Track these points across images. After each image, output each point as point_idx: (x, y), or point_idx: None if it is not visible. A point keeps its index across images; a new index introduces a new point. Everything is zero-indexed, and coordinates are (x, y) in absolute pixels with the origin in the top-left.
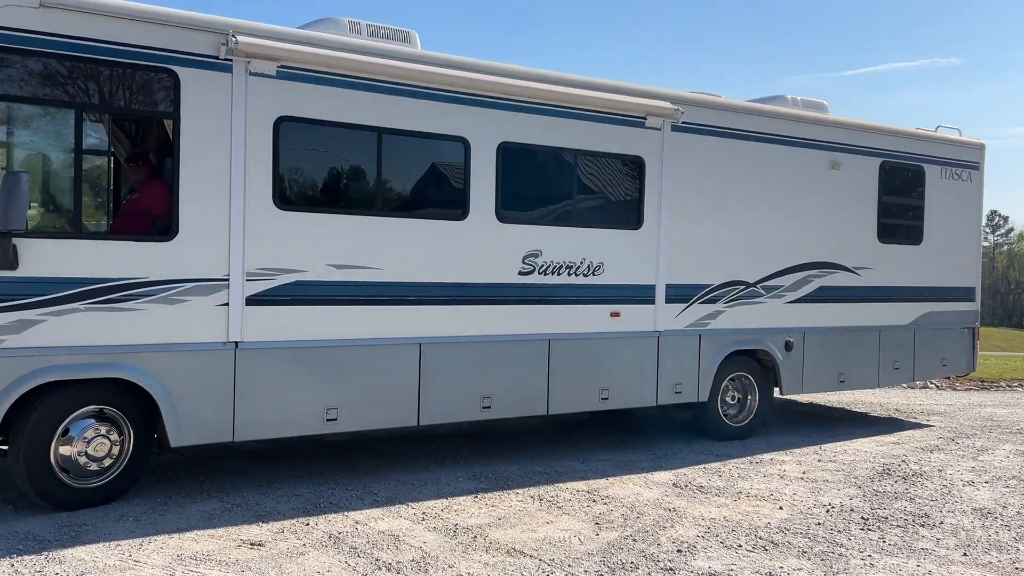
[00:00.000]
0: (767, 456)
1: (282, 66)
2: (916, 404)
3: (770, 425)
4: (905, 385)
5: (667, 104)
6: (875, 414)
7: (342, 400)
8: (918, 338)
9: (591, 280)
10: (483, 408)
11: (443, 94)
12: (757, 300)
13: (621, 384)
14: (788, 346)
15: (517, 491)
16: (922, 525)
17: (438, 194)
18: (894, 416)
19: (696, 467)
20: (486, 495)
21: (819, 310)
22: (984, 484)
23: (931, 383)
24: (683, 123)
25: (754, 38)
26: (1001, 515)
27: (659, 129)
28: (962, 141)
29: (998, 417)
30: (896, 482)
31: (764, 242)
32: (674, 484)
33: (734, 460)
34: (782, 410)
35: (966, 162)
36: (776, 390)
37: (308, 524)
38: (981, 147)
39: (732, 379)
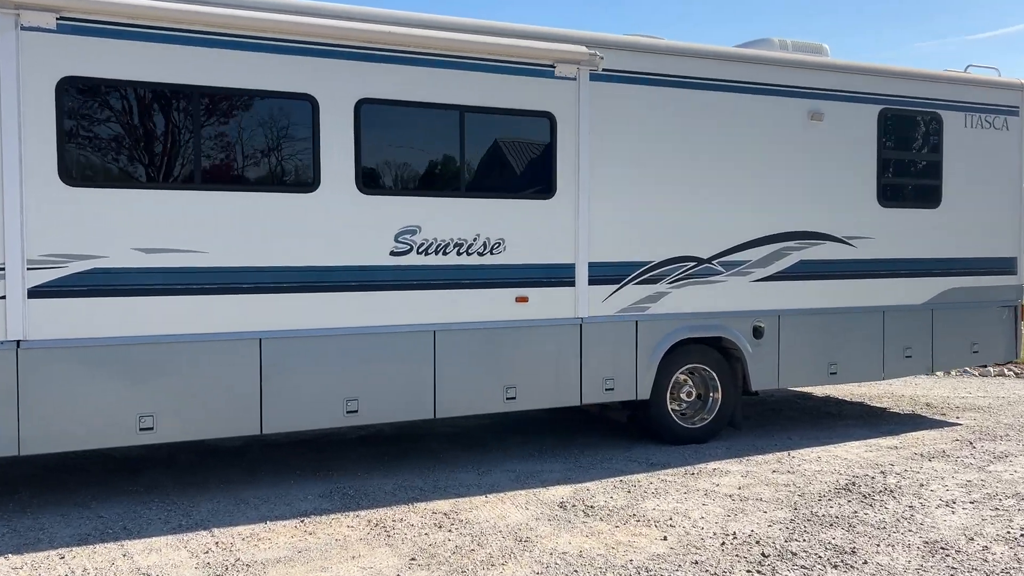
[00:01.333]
0: (711, 465)
1: (63, 18)
2: (959, 397)
3: (740, 425)
4: (966, 371)
5: (580, 48)
6: (896, 410)
7: (159, 407)
8: (937, 320)
9: (488, 260)
10: (348, 413)
11: (278, 44)
12: (714, 279)
13: (532, 381)
14: (757, 332)
15: (360, 513)
16: (835, 566)
17: (279, 163)
18: (919, 412)
19: (611, 480)
20: (319, 518)
21: (799, 289)
22: (967, 505)
23: (995, 369)
24: (606, 71)
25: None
26: (958, 552)
27: (573, 79)
28: (994, 81)
29: None
30: (849, 502)
31: (723, 210)
32: (561, 504)
33: (666, 471)
34: (782, 405)
35: (1001, 107)
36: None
37: (64, 558)
38: (1020, 88)
39: (687, 372)
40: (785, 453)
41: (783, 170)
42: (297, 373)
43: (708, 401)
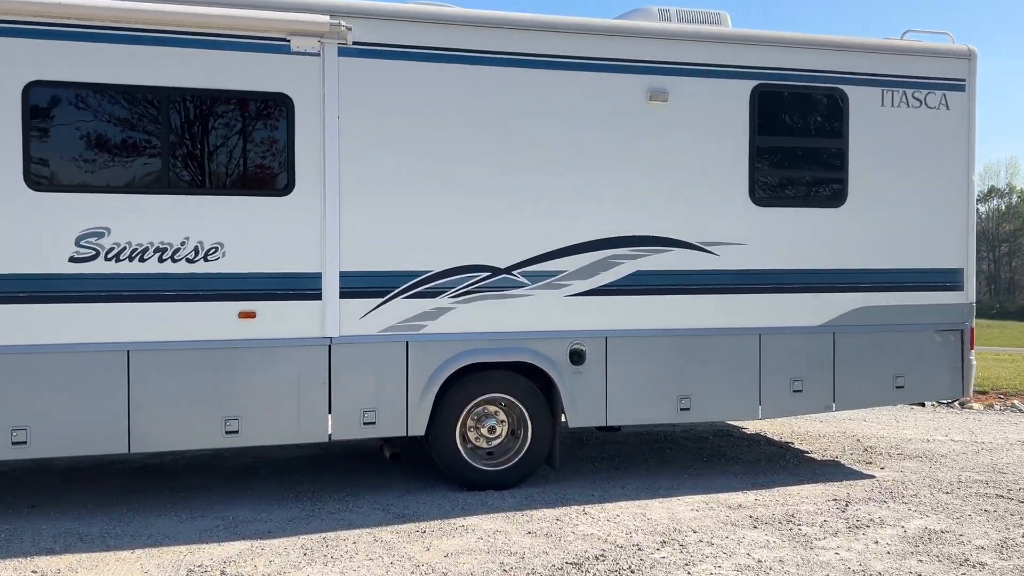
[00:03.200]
0: (462, 521)
1: None
2: (922, 439)
3: (557, 465)
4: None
5: (321, 18)
6: (816, 454)
7: None
8: (842, 346)
9: (201, 268)
10: (14, 444)
11: None
12: (514, 292)
13: (261, 412)
14: (576, 357)
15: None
16: None
17: None
18: (841, 459)
19: (305, 537)
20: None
21: (635, 306)
22: None
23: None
24: (358, 44)
25: None
26: None
27: (316, 55)
28: (927, 49)
29: (1001, 467)
30: None
31: (526, 211)
32: (197, 567)
33: (395, 526)
34: (672, 441)
35: (938, 80)
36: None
37: None
38: (967, 56)
39: (497, 404)
40: (581, 508)
41: (612, 162)
42: None
43: (520, 438)
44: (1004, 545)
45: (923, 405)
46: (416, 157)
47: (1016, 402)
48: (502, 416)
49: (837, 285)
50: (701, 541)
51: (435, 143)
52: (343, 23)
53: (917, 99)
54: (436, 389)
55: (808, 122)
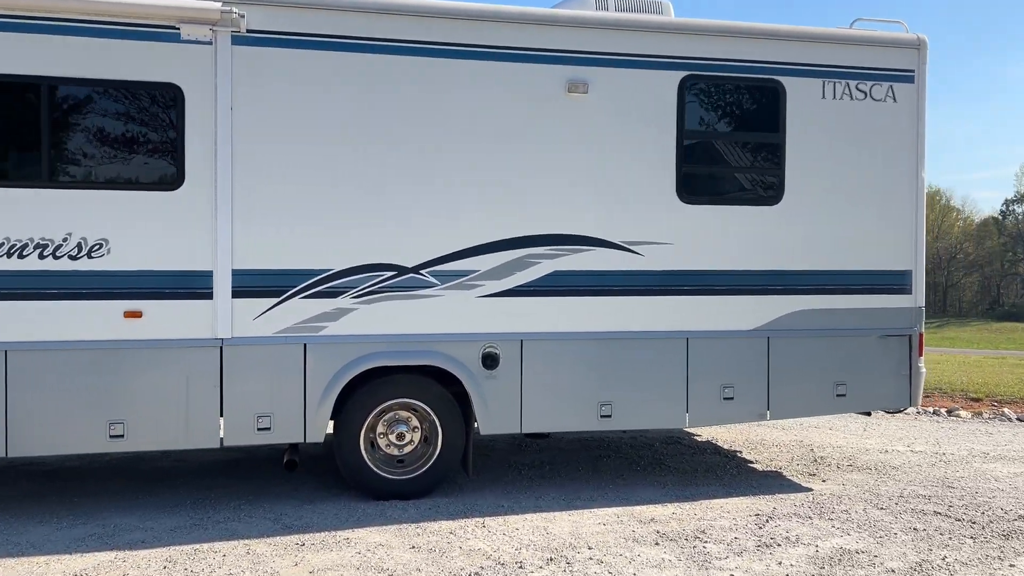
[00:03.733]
0: (346, 534)
1: None
2: (879, 450)
3: (470, 473)
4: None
5: (212, 5)
6: (759, 464)
7: None
8: (777, 352)
9: (84, 265)
10: None
11: None
12: (423, 292)
13: (147, 416)
14: (490, 361)
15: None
16: None
17: None
18: (783, 470)
19: (186, 548)
20: None
21: (554, 307)
22: None
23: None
24: (253, 32)
25: None
26: None
27: (208, 43)
28: (873, 38)
29: (951, 481)
30: None
31: (436, 207)
32: None
33: (289, 537)
34: (612, 449)
35: (885, 71)
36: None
37: None
38: (915, 45)
39: (404, 408)
40: (481, 520)
41: (529, 157)
42: None
43: (432, 445)
44: (918, 568)
45: (869, 414)
46: (315, 150)
47: (1007, 410)
48: (415, 422)
49: (772, 287)
50: (591, 559)
51: (335, 136)
52: (235, 10)
53: (861, 91)
54: (336, 394)
55: (741, 115)
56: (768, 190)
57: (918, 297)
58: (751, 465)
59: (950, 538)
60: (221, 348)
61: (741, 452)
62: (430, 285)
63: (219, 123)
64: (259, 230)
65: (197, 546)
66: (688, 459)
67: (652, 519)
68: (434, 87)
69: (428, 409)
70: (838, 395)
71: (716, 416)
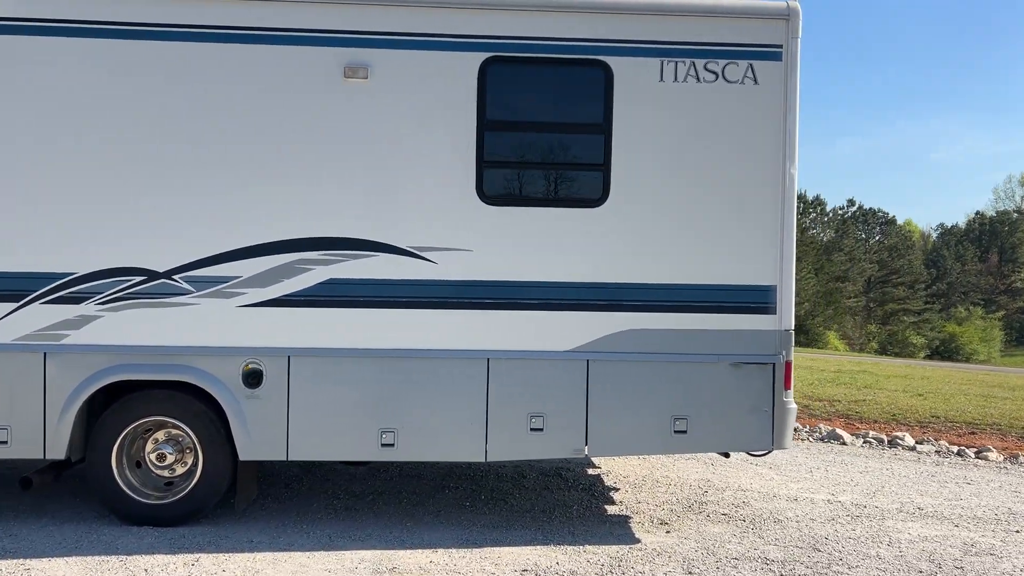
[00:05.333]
0: (42, 564)
1: None
2: (795, 499)
3: (239, 506)
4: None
5: None
6: (633, 508)
7: None
8: (598, 378)
9: None
10: None
11: None
12: (175, 300)
13: None
14: (252, 378)
15: None
16: None
17: None
18: (638, 516)
19: None
20: None
21: (327, 320)
22: None
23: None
24: None
25: None
26: None
27: None
28: (728, 7)
29: (824, 544)
30: None
31: (191, 206)
32: None
33: None
34: (469, 479)
35: (742, 47)
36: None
37: None
38: (784, 15)
39: (161, 428)
40: (194, 557)
41: (300, 150)
42: None
43: (196, 469)
44: None
45: (727, 456)
46: (56, 145)
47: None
48: (167, 443)
49: (593, 302)
50: None
51: (79, 128)
52: None
53: (712, 71)
54: (77, 408)
55: (559, 103)
56: (589, 189)
57: (784, 318)
58: (606, 507)
59: None
60: None
61: (620, 489)
62: (184, 292)
63: None
64: None
65: None
66: (540, 495)
67: (394, 568)
68: (190, 74)
69: (187, 429)
70: (677, 431)
71: (521, 450)
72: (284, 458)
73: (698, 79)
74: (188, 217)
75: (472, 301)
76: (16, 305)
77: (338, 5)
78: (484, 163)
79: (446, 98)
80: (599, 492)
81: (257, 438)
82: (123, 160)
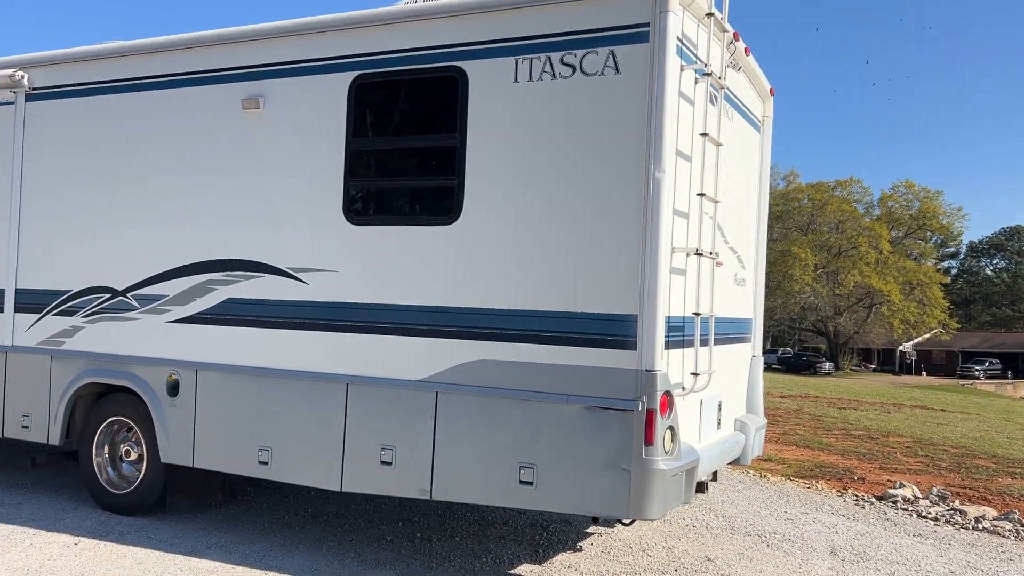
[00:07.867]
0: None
1: None
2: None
3: (177, 505)
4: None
5: None
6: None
7: None
8: (448, 411)
9: None
10: None
11: None
12: (126, 315)
13: None
14: (174, 388)
15: None
16: None
17: None
18: (506, 553)
19: None
20: None
21: (225, 337)
22: None
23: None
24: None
25: None
26: None
27: None
28: None
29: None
30: None
31: (136, 232)
32: None
33: None
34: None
35: (600, 32)
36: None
37: None
38: None
39: (124, 426)
40: (75, 540)
41: (209, 180)
42: None
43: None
44: None
45: (596, 521)
46: (56, 188)
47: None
48: (132, 440)
49: (444, 328)
50: None
51: (68, 174)
52: None
53: (568, 65)
54: (66, 403)
55: (416, 116)
56: (442, 206)
57: (645, 355)
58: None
59: None
60: (7, 353)
61: (552, 524)
62: (132, 308)
63: None
64: (32, 253)
65: None
66: (472, 527)
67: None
68: (123, 123)
69: (136, 428)
70: (523, 482)
71: (372, 483)
72: (191, 464)
73: (554, 75)
74: (136, 242)
75: (336, 323)
76: (38, 316)
77: (234, 44)
78: (350, 183)
79: (324, 122)
80: (542, 526)
81: (174, 444)
82: (97, 195)
